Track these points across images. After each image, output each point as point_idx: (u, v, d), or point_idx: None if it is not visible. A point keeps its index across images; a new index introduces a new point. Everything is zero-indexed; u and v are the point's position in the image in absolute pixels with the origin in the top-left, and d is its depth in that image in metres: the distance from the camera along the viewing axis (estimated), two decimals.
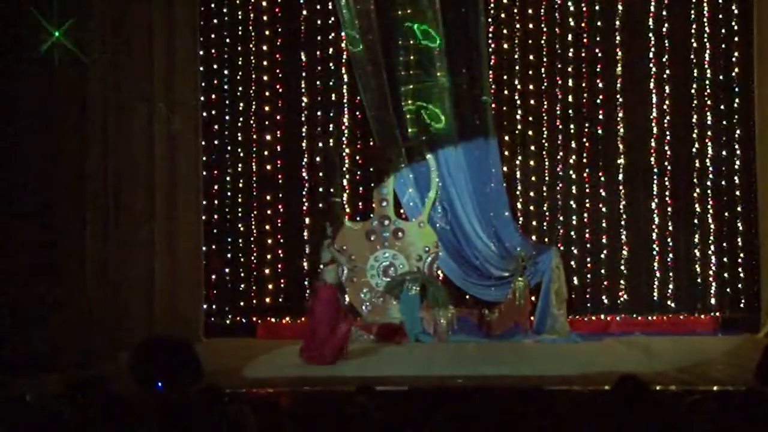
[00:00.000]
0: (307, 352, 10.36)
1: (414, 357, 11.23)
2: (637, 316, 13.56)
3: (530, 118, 13.94)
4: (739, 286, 13.63)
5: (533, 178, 13.96)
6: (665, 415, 4.69)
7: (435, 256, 13.56)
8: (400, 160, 13.75)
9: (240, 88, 13.94)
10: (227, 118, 13.96)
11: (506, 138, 13.95)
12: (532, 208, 13.97)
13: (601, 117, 13.88)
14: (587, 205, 13.92)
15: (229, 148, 13.98)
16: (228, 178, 13.96)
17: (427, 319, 12.77)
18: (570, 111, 13.89)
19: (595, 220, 13.89)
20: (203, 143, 13.23)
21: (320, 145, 14.01)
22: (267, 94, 13.97)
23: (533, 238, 13.78)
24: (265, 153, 13.98)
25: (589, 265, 13.87)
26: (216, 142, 13.91)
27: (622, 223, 13.86)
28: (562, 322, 12.75)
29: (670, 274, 13.78)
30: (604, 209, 13.89)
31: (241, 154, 13.98)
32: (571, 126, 13.89)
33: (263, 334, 13.34)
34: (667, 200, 13.81)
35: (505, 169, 13.77)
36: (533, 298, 13.08)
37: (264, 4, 13.92)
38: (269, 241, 13.97)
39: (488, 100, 13.31)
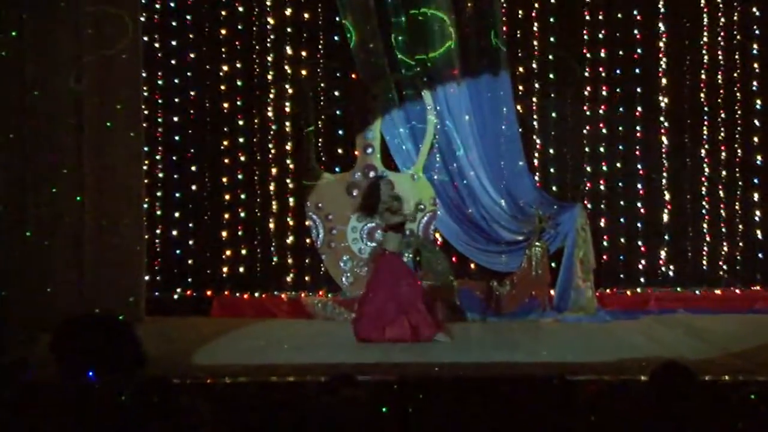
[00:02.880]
0: (373, 332, 10.56)
1: None
2: (682, 290, 13.62)
3: (550, 47, 13.91)
4: None
5: (554, 120, 13.96)
6: (716, 411, 4.70)
7: (432, 216, 13.58)
8: (389, 97, 13.70)
9: (191, 5, 13.96)
10: (173, 43, 13.95)
11: (521, 71, 13.91)
12: (552, 155, 13.99)
13: (638, 43, 13.88)
14: (620, 153, 13.96)
15: (176, 81, 13.97)
16: (175, 118, 13.97)
17: None
18: (599, 36, 13.85)
19: (630, 172, 13.93)
20: (144, 74, 13.13)
21: (289, 75, 13.94)
22: (224, 13, 14.00)
23: (553, 192, 13.82)
24: (222, 87, 13.99)
25: (622, 226, 13.94)
26: (160, 73, 13.93)
27: (664, 175, 13.92)
28: (589, 297, 12.77)
29: (723, 238, 13.88)
30: (640, 159, 13.94)
31: (191, 89, 13.99)
32: (601, 55, 13.87)
33: (219, 311, 13.36)
34: (721, 148, 13.87)
35: (519, 108, 13.75)
36: (553, 266, 13.12)
37: None
38: (226, 197, 14.01)
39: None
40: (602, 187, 13.93)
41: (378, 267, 11.00)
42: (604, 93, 13.87)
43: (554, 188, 13.92)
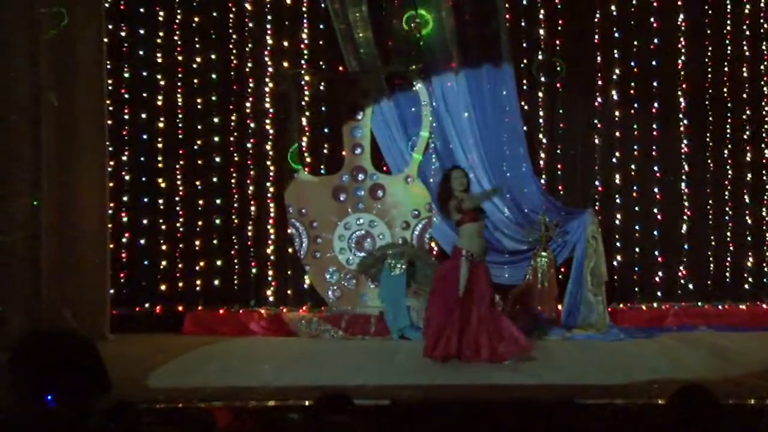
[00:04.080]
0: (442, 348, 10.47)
1: (398, 360, 11.22)
2: (703, 305, 13.61)
3: (558, 37, 13.91)
4: None
5: (562, 118, 13.95)
6: None
7: (427, 223, 13.59)
8: (380, 91, 13.71)
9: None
10: (141, 31, 13.97)
11: (524, 63, 13.90)
12: (560, 156, 13.99)
13: (654, 32, 13.90)
14: (635, 153, 13.95)
15: (144, 73, 13.97)
16: (143, 115, 13.96)
17: (417, 309, 12.75)
18: (612, 25, 13.86)
19: (646, 175, 13.93)
20: (108, 66, 13.11)
21: (269, 68, 13.94)
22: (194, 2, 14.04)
23: (561, 198, 13.81)
24: (195, 81, 14.00)
25: (637, 235, 13.93)
26: (126, 65, 13.95)
27: (683, 178, 13.92)
28: (600, 312, 12.77)
29: (748, 248, 13.90)
30: (657, 160, 13.93)
31: (161, 83, 13.98)
32: (615, 48, 13.87)
33: (192, 328, 13.35)
34: (746, 148, 13.90)
35: (524, 105, 13.75)
36: (561, 279, 13.13)
37: None
38: (200, 202, 14.01)
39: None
40: (615, 192, 13.91)
41: (444, 267, 10.99)
42: (617, 87, 13.83)
43: (562, 193, 13.91)
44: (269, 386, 9.35)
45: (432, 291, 10.99)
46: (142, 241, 13.93)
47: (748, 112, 13.89)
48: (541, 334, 12.38)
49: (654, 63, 13.88)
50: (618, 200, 13.93)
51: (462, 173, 10.82)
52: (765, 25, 13.93)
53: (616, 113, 13.87)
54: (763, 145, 13.92)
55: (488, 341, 10.42)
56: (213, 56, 14.01)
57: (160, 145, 13.97)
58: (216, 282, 13.95)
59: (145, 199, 13.95)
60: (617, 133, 13.90)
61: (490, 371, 10.11)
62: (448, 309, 10.51)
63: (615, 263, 13.71)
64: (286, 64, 13.92)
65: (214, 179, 14.00)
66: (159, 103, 13.93)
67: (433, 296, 10.93)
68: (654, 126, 13.92)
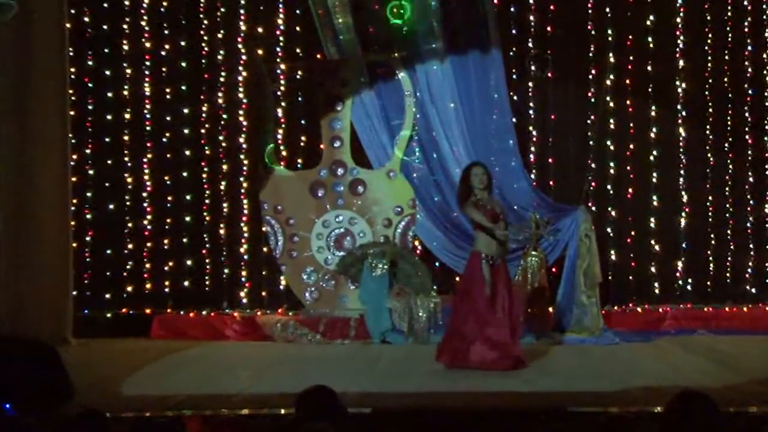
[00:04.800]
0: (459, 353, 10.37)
1: (380, 366, 11.21)
2: (702, 307, 13.65)
3: (549, 23, 13.94)
4: None
5: (553, 109, 13.98)
6: None
7: (410, 220, 13.61)
8: (361, 80, 13.73)
9: None
10: (106, 17, 13.97)
11: (514, 51, 13.91)
12: (551, 150, 14.04)
13: (652, 17, 13.93)
14: (631, 147, 13.99)
15: (109, 61, 13.98)
16: (108, 105, 13.94)
17: (399, 312, 12.77)
18: (606, 10, 13.90)
19: (643, 170, 13.96)
20: (71, 53, 13.04)
21: (242, 56, 13.92)
22: None
23: (553, 194, 13.84)
24: (163, 70, 14.00)
25: (632, 233, 13.98)
26: (90, 52, 13.95)
27: (681, 173, 13.96)
28: (594, 314, 12.78)
29: (750, 247, 13.96)
30: (654, 153, 13.96)
31: (127, 72, 13.98)
32: (609, 34, 13.89)
33: (160, 332, 13.34)
34: (747, 141, 13.96)
35: (513, 96, 13.78)
36: (553, 280, 13.14)
37: None
38: (169, 198, 14.01)
39: None
40: (610, 188, 13.97)
41: (464, 272, 10.83)
42: (612, 77, 13.85)
43: (554, 189, 13.95)
44: (243, 394, 9.30)
45: (455, 305, 10.71)
46: (107, 240, 13.88)
47: (750, 102, 13.93)
48: (533, 338, 12.38)
49: (650, 50, 13.90)
50: (612, 196, 13.97)
51: (482, 170, 10.46)
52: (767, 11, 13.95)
53: (611, 104, 13.89)
54: (766, 138, 13.96)
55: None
56: (182, 43, 14.02)
57: (126, 138, 13.96)
58: (186, 283, 13.96)
59: (111, 196, 13.90)
60: (612, 126, 13.93)
61: (479, 378, 10.08)
62: (479, 319, 10.35)
63: (609, 263, 13.73)
64: (260, 52, 13.89)
65: (184, 174, 14.00)
66: (125, 93, 13.92)
67: (457, 311, 10.62)
68: (651, 118, 13.94)
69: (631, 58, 13.88)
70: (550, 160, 14.02)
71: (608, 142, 13.93)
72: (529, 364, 10.54)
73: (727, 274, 13.96)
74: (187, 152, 13.99)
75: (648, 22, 13.92)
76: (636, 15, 13.91)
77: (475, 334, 10.26)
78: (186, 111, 13.99)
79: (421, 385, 9.62)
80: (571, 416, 7.88)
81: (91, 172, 13.86)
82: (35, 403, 5.09)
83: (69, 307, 12.73)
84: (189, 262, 13.99)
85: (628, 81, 13.90)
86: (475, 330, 10.27)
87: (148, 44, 13.97)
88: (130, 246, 13.93)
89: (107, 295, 13.82)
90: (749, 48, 13.93)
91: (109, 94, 13.92)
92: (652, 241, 13.96)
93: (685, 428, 4.78)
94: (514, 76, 13.88)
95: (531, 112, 14.01)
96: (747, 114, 13.93)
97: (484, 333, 10.25)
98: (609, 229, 13.90)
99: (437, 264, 13.76)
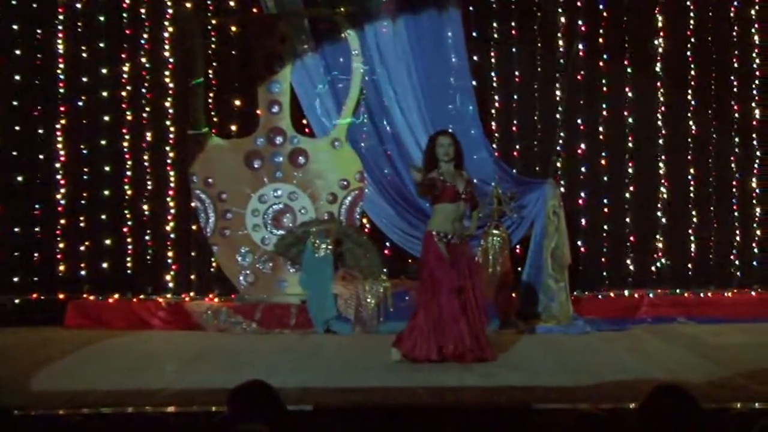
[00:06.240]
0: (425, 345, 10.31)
1: (323, 358, 11.24)
2: (683, 293, 13.78)
3: None
4: None
5: (518, 73, 14.04)
6: None
7: (358, 195, 13.66)
8: (302, 38, 13.71)
9: None
10: None
11: (474, 8, 13.96)
12: (516, 118, 14.09)
13: None
14: (604, 114, 14.09)
15: (16, 15, 13.85)
16: (16, 69, 13.83)
17: (346, 297, 12.80)
18: None
19: (617, 139, 14.07)
20: None
21: (168, 9, 13.92)
22: None
23: (517, 166, 13.90)
24: (79, 26, 13.90)
25: (605, 210, 14.08)
26: None
27: (660, 143, 14.07)
28: (563, 300, 12.84)
29: (736, 226, 14.10)
30: (630, 121, 14.07)
31: (37, 29, 13.92)
32: None
33: (75, 320, 13.27)
34: (733, 107, 14.06)
35: (474, 58, 13.82)
36: (516, 262, 13.18)
37: None
38: (85, 170, 13.97)
39: None
40: (579, 160, 14.05)
41: (421, 257, 10.70)
42: (583, 36, 13.89)
43: (518, 160, 14.03)
44: (169, 390, 9.29)
45: (419, 290, 10.66)
46: (15, 217, 13.83)
47: (735, 64, 14.03)
48: (495, 327, 12.40)
49: (625, 4, 14.00)
50: (584, 169, 14.07)
51: (449, 140, 10.41)
52: None
53: (582, 67, 13.95)
54: (753, 104, 14.07)
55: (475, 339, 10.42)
56: None
57: (37, 103, 13.86)
58: (105, 265, 13.94)
59: (19, 167, 13.84)
60: (582, 89, 14.00)
61: (435, 372, 10.11)
62: (441, 305, 10.31)
63: (580, 243, 13.86)
64: (188, 5, 13.83)
65: (102, 142, 13.94)
66: (36, 51, 13.77)
67: (421, 296, 10.56)
68: (626, 82, 14.05)
69: (604, 14, 13.92)
70: (514, 129, 14.10)
71: (578, 110, 14.02)
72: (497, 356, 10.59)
73: (710, 256, 14.11)
74: (106, 118, 13.92)
75: None
76: None
77: (437, 323, 10.28)
78: (104, 71, 13.92)
79: (370, 380, 9.63)
80: (536, 414, 7.90)
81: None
82: None
83: None
84: (108, 242, 13.93)
85: (600, 40, 13.95)
86: (437, 318, 10.28)
87: None
88: (41, 223, 13.85)
89: (15, 279, 13.76)
90: (735, 2, 13.99)
91: (17, 52, 13.82)
92: (627, 219, 14.07)
93: (662, 426, 4.79)
94: (475, 34, 13.89)
95: (493, 74, 14.05)
96: (732, 77, 14.02)
97: (446, 321, 10.27)
98: (579, 206, 13.99)
99: (388, 244, 13.82)
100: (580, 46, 13.80)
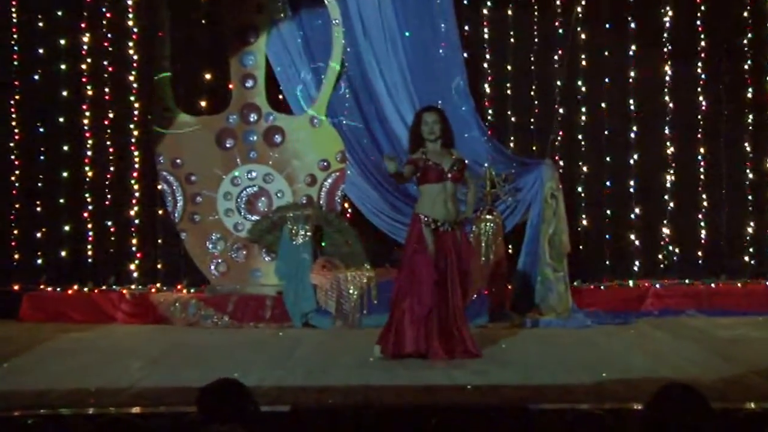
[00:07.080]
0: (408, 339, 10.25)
1: (301, 354, 11.19)
2: (691, 283, 13.79)
3: None
4: None
5: (513, 42, 14.02)
6: None
7: (339, 177, 13.65)
8: (278, 5, 13.69)
9: None
10: None
11: None
12: (510, 93, 14.07)
13: None
14: (606, 87, 14.07)
15: None
16: None
17: (326, 288, 12.78)
18: None
19: (620, 115, 14.05)
20: None
21: None
22: None
23: (512, 145, 13.90)
24: None
25: (608, 193, 14.12)
26: None
27: (667, 119, 14.06)
28: (562, 291, 12.85)
29: (749, 211, 14.12)
30: (635, 95, 14.06)
31: None
32: None
33: (31, 313, 13.30)
34: (747, 81, 14.03)
35: (466, 28, 13.82)
36: (512, 250, 13.19)
37: None
38: (42, 150, 13.91)
39: None
40: (581, 139, 14.05)
41: (406, 239, 10.68)
42: (583, 3, 13.81)
43: (513, 139, 14.02)
44: (133, 388, 9.26)
45: (397, 280, 10.54)
46: None
47: (750, 35, 14.05)
48: (487, 320, 12.48)
49: None
50: (584, 149, 14.07)
51: (435, 117, 10.36)
52: None
53: (582, 36, 13.95)
54: (767, 78, 14.05)
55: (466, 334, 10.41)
56: None
57: None
58: (63, 254, 13.90)
59: None
60: (584, 62, 14.00)
61: (420, 369, 10.12)
62: (421, 297, 10.24)
63: (580, 229, 13.88)
64: None
65: (60, 120, 13.88)
66: None
67: (399, 286, 10.45)
68: (630, 52, 14.04)
69: None
70: (508, 104, 14.08)
71: (579, 83, 14.01)
72: (482, 351, 10.54)
73: (721, 243, 14.13)
74: (65, 93, 13.88)
75: None
76: None
77: (416, 316, 10.22)
78: (62, 42, 13.86)
79: (351, 378, 9.63)
80: (532, 415, 7.86)
81: None
82: None
83: None
84: (67, 228, 13.90)
85: (602, 8, 13.92)
86: (416, 310, 10.22)
87: None
88: None
89: None
90: None
91: None
92: (632, 204, 14.07)
93: (669, 429, 4.73)
94: (466, 2, 13.86)
95: (486, 46, 14.04)
96: (747, 49, 14.00)
97: (426, 314, 10.21)
98: (580, 189, 14.01)
99: (371, 231, 13.75)
100: (579, 10, 13.69)
